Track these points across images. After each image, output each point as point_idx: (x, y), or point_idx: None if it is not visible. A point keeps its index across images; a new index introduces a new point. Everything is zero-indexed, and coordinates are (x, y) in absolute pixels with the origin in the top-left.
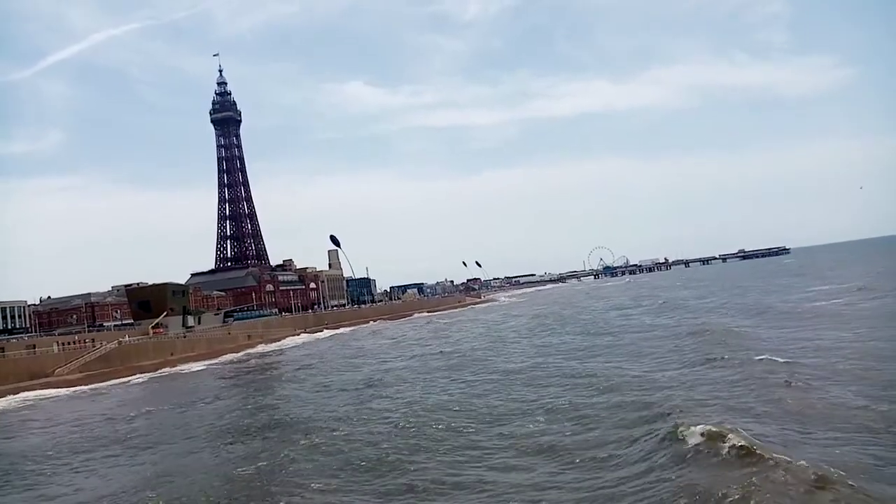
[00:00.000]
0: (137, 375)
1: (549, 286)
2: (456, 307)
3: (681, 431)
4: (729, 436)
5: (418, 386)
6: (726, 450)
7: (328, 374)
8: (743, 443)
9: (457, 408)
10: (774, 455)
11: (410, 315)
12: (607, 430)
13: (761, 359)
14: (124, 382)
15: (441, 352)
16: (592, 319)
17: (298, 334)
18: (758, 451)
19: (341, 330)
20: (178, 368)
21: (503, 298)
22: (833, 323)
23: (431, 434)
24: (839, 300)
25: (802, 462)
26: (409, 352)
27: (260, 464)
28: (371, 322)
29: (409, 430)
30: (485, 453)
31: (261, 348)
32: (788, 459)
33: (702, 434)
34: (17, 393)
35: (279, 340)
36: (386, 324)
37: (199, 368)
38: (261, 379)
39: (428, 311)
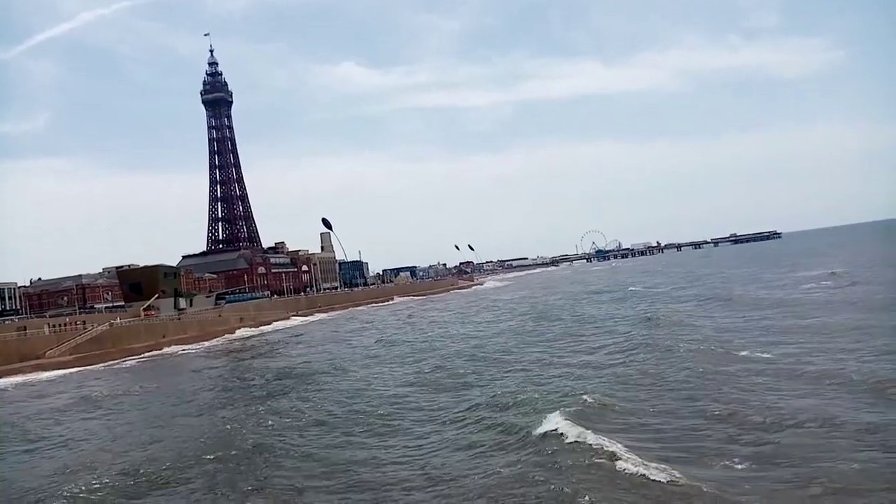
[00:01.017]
0: (129, 358)
1: (537, 270)
2: (447, 290)
3: (558, 432)
4: (596, 441)
5: (374, 371)
6: (594, 455)
7: (300, 358)
8: (611, 449)
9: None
10: (634, 463)
11: (392, 300)
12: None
13: (692, 349)
14: (115, 365)
15: (405, 340)
16: (558, 306)
17: (290, 318)
18: (620, 460)
19: (331, 314)
20: (168, 351)
21: (490, 283)
22: (790, 314)
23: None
24: (806, 287)
25: (661, 476)
26: (377, 336)
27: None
28: (356, 306)
29: (336, 421)
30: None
31: (252, 331)
32: (646, 474)
33: (573, 438)
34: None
35: (270, 323)
36: (371, 307)
37: (190, 351)
38: (243, 364)
39: (417, 295)
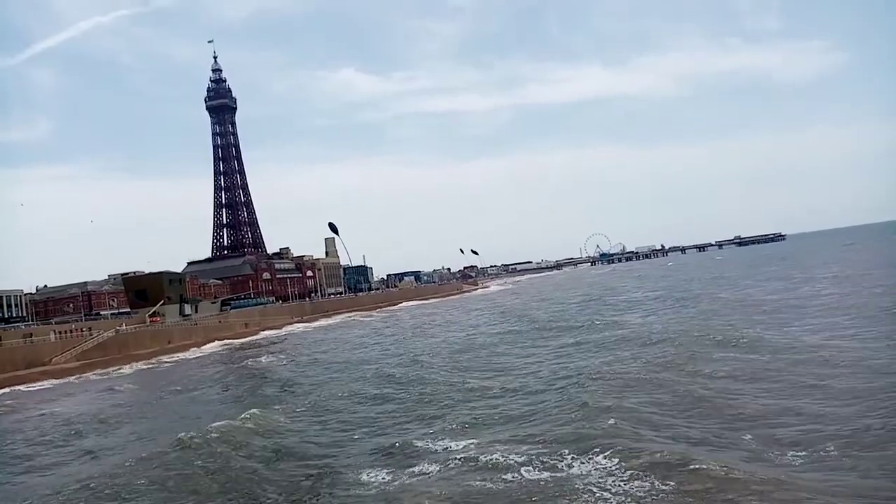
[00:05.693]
0: (134, 364)
1: (528, 275)
2: (450, 295)
3: None
4: None
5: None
6: None
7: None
8: None
9: None
10: None
11: (376, 307)
12: None
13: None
14: (118, 371)
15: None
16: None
17: (295, 322)
18: None
19: (335, 319)
20: (174, 356)
21: (493, 287)
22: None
23: None
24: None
25: None
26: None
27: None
28: (359, 311)
29: None
30: None
31: (256, 337)
32: None
33: None
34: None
35: (275, 329)
36: (366, 313)
37: (195, 357)
38: (242, 369)
39: (415, 300)
